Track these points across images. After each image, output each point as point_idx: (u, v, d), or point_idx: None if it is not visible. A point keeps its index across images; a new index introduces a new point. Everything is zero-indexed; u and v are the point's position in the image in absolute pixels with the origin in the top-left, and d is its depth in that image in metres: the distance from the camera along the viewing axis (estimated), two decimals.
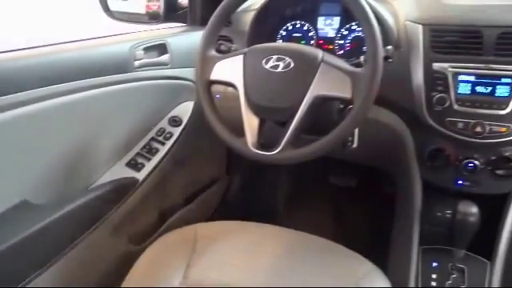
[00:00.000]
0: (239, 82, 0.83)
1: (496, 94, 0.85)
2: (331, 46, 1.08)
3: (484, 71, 0.86)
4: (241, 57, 0.84)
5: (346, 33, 1.06)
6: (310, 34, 1.10)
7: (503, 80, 0.84)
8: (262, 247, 0.86)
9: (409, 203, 0.97)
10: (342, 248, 0.87)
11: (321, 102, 0.79)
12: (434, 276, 0.88)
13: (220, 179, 1.46)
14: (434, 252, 0.91)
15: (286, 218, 1.51)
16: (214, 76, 0.87)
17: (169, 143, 1.13)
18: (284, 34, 1.12)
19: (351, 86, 0.75)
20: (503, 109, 0.84)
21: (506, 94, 0.84)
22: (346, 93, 0.75)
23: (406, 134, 0.96)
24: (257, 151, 0.81)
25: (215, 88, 1.12)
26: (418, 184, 0.95)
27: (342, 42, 1.07)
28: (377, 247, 1.06)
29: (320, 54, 0.79)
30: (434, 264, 0.90)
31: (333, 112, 0.91)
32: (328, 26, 1.09)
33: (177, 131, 1.15)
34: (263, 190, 1.59)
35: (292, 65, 0.79)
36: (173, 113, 1.17)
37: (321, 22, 1.09)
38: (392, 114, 0.98)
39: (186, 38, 1.18)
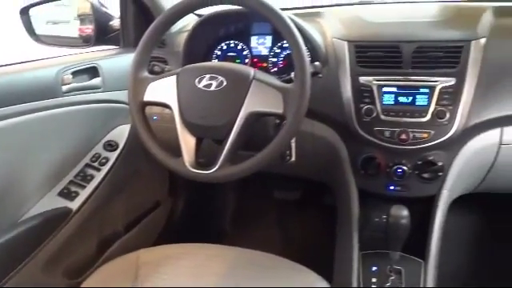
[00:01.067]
0: (173, 103, 0.83)
1: (416, 103, 0.91)
2: (265, 64, 1.11)
3: (404, 83, 0.92)
4: (174, 77, 0.84)
5: (278, 51, 1.10)
6: (244, 52, 1.13)
7: (422, 90, 0.91)
8: (207, 268, 0.84)
9: (347, 211, 1.01)
10: (286, 262, 0.88)
11: (255, 118, 0.81)
12: (374, 280, 0.91)
13: (163, 202, 1.43)
14: (373, 256, 0.95)
15: (234, 236, 1.50)
16: (147, 97, 0.86)
17: (105, 169, 1.09)
18: (219, 53, 1.14)
19: (283, 101, 0.77)
20: (424, 116, 0.90)
21: (425, 103, 0.90)
22: (278, 108, 0.78)
23: (340, 145, 1.00)
24: (194, 170, 0.80)
25: (153, 110, 1.11)
26: (354, 192, 0.99)
27: (275, 59, 1.10)
28: (322, 257, 1.09)
29: (252, 71, 0.81)
30: (374, 268, 0.93)
31: (269, 127, 0.93)
32: (261, 44, 1.12)
33: (113, 156, 1.11)
34: (209, 210, 1.58)
35: (225, 83, 0.80)
36: (108, 137, 1.13)
37: (254, 41, 1.13)
38: (326, 127, 1.02)
39: (118, 61, 1.16)
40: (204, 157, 0.84)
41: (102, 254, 1.16)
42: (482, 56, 0.90)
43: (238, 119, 0.79)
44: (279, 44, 1.10)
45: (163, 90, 0.85)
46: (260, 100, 0.79)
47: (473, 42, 0.91)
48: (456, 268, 1.22)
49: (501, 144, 0.92)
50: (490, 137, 0.92)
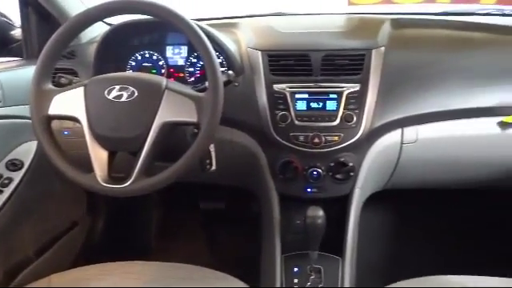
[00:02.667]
0: (81, 115, 0.79)
1: (327, 108, 0.96)
2: (182, 74, 1.10)
3: (315, 89, 0.97)
4: (81, 89, 0.80)
5: (194, 60, 1.10)
6: (160, 63, 1.11)
7: (331, 96, 0.96)
8: (125, 286, 0.81)
9: (269, 216, 1.03)
10: (210, 271, 0.87)
11: (170, 128, 0.80)
12: (296, 281, 0.94)
13: (81, 222, 1.34)
14: (295, 258, 0.98)
15: (160, 251, 1.45)
16: (52, 111, 0.81)
17: (8, 190, 1.00)
18: (133, 64, 1.11)
19: (196, 110, 0.78)
20: (334, 120, 0.95)
21: (335, 108, 0.96)
22: (192, 117, 0.78)
23: (259, 152, 1.02)
24: (108, 185, 0.77)
25: (64, 124, 1.04)
26: (275, 197, 1.02)
27: (191, 69, 1.10)
28: (250, 264, 1.10)
29: (164, 81, 0.80)
30: (295, 269, 0.96)
31: (187, 136, 0.93)
32: (177, 54, 1.11)
33: (17, 176, 1.02)
34: (132, 226, 1.51)
35: (136, 94, 0.78)
36: (11, 156, 1.04)
37: (169, 51, 1.11)
38: (244, 134, 1.03)
39: (21, 73, 1.07)
40: (121, 171, 0.81)
41: (10, 283, 1.06)
42: (382, 63, 0.98)
43: (152, 130, 0.77)
44: (195, 54, 1.10)
45: (70, 103, 0.81)
46: (173, 110, 0.78)
47: (373, 50, 0.98)
48: (374, 262, 1.30)
49: (402, 143, 1.00)
50: (392, 137, 1.00)
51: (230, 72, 0.88)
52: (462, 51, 1.03)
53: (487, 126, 0.99)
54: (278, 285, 0.93)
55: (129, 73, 0.86)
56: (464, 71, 0.99)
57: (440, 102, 0.98)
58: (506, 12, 1.25)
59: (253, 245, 1.17)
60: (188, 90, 0.82)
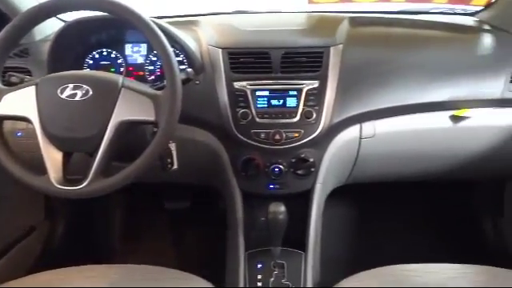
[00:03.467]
0: (33, 116, 0.77)
1: (287, 105, 0.98)
2: (142, 73, 1.09)
3: (275, 86, 0.98)
4: (32, 88, 0.78)
5: (154, 59, 1.08)
6: (119, 61, 1.08)
7: (291, 93, 0.98)
8: None
9: (233, 214, 1.03)
10: (173, 271, 0.86)
11: (128, 127, 0.79)
12: (259, 277, 0.94)
13: (38, 227, 1.29)
14: (258, 254, 0.98)
15: (124, 253, 1.42)
16: (2, 111, 0.78)
17: None
18: (91, 62, 1.08)
19: (154, 108, 0.76)
20: (294, 117, 0.97)
21: (295, 105, 0.97)
22: (149, 116, 0.77)
23: (221, 149, 1.02)
24: (62, 187, 0.75)
25: (17, 125, 1.00)
26: (238, 194, 1.02)
27: (151, 67, 1.08)
28: (216, 263, 1.09)
29: (120, 79, 0.79)
30: (259, 265, 0.96)
31: (147, 135, 0.91)
32: (136, 52, 1.09)
33: None
34: (95, 229, 1.48)
35: (91, 92, 0.76)
36: None
37: (128, 49, 1.09)
38: (206, 133, 1.03)
39: None
40: (78, 172, 0.78)
41: None
42: (340, 60, 0.99)
43: (108, 129, 0.76)
44: (155, 52, 1.08)
45: (21, 103, 0.78)
46: (130, 108, 0.77)
47: (332, 47, 1.00)
48: (337, 255, 1.33)
49: (361, 138, 1.02)
50: (351, 132, 1.02)
51: (189, 69, 0.87)
52: (417, 48, 1.07)
53: (440, 119, 1.03)
54: (242, 282, 0.94)
55: (83, 71, 0.84)
56: (419, 67, 1.03)
57: (396, 98, 1.01)
58: (457, 11, 1.31)
59: (219, 243, 1.17)
60: (145, 88, 0.80)
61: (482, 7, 1.23)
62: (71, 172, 0.79)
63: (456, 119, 1.03)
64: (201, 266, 1.09)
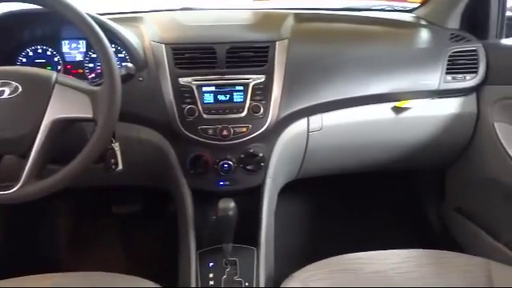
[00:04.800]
0: None
1: (234, 100, 0.97)
2: (81, 70, 1.03)
3: (221, 81, 0.97)
4: None
5: (94, 56, 1.04)
6: (55, 59, 1.03)
7: (237, 88, 0.97)
8: None
9: (183, 213, 1.00)
10: (121, 276, 0.83)
11: (63, 126, 0.74)
12: (211, 275, 0.93)
13: None
14: (210, 253, 0.97)
15: (71, 262, 1.35)
16: None
17: None
18: (24, 60, 1.01)
19: (91, 105, 0.73)
20: (241, 112, 0.96)
21: (242, 99, 0.96)
22: (87, 113, 0.73)
23: (168, 148, 0.99)
24: None
25: None
26: (187, 193, 1.00)
27: (91, 65, 1.04)
28: (169, 265, 1.06)
29: (53, 75, 0.74)
30: (211, 264, 0.95)
31: (87, 135, 0.87)
32: (74, 49, 1.04)
33: None
34: (37, 239, 1.39)
35: (20, 89, 0.72)
36: None
37: (65, 45, 1.04)
38: (152, 131, 1.00)
39: None
40: (11, 176, 0.73)
41: None
42: (286, 55, 1.00)
43: (42, 128, 0.71)
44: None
45: None
46: (65, 105, 0.73)
47: (277, 42, 1.00)
48: (292, 249, 1.34)
49: (308, 132, 1.04)
50: (299, 126, 1.03)
51: (130, 65, 0.84)
52: (360, 43, 1.10)
53: (383, 111, 1.07)
54: (193, 282, 0.91)
55: (12, 67, 0.78)
56: (361, 61, 1.06)
57: (341, 91, 1.03)
58: (396, 8, 1.37)
59: (171, 245, 1.14)
60: (82, 84, 0.77)
61: (418, 4, 1.29)
62: (2, 176, 0.73)
63: (398, 110, 1.07)
64: (154, 270, 1.05)
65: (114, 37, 0.94)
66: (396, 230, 1.28)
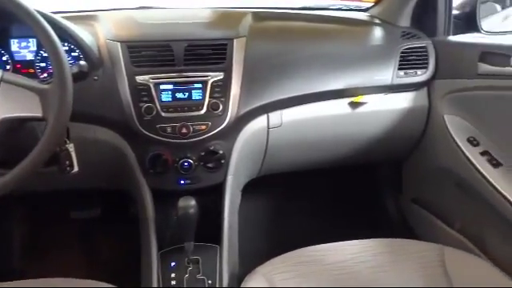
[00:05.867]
0: None
1: (193, 98, 0.96)
2: (32, 70, 0.99)
3: (179, 79, 0.96)
4: None
5: (46, 55, 1.00)
6: (4, 58, 0.98)
7: (196, 85, 0.96)
8: None
9: (144, 214, 0.98)
10: (79, 281, 0.81)
11: (12, 126, 0.72)
12: (173, 275, 0.91)
13: None
14: (172, 253, 0.95)
15: (27, 272, 1.29)
16: None
17: None
18: None
19: (41, 103, 0.70)
20: (200, 110, 0.95)
21: (200, 97, 0.96)
22: (36, 112, 0.70)
23: (126, 148, 0.97)
24: None
25: None
26: (147, 193, 0.98)
27: (43, 64, 1.00)
28: (132, 268, 1.04)
29: None
30: (173, 264, 0.93)
31: (39, 134, 0.83)
32: (24, 48, 1.00)
33: None
34: None
35: None
36: None
37: (14, 44, 0.99)
38: (109, 131, 0.97)
39: None
40: None
41: None
42: (244, 52, 1.00)
43: None
44: None
45: None
46: (13, 104, 0.70)
47: (235, 39, 1.01)
48: (257, 247, 1.34)
49: (269, 128, 1.05)
50: (259, 123, 1.04)
51: (82, 62, 0.82)
52: (317, 41, 1.12)
53: (340, 106, 1.09)
54: (155, 283, 0.90)
55: None
56: (319, 58, 1.08)
57: (300, 87, 1.04)
58: (352, 7, 1.41)
59: (134, 248, 1.11)
60: (30, 81, 0.74)
61: (372, 3, 1.33)
62: None
63: (354, 105, 1.10)
64: (117, 274, 1.03)
65: (66, 35, 0.91)
66: (358, 222, 1.31)
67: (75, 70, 0.79)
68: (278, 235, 1.42)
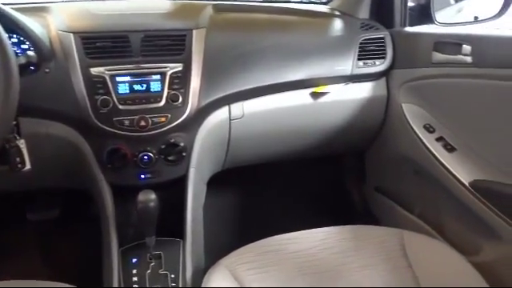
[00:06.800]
0: None
1: (151, 90, 0.94)
2: None
3: (137, 71, 0.93)
4: None
5: None
6: None
7: (154, 77, 0.94)
8: None
9: (104, 211, 0.95)
10: (36, 282, 0.77)
11: None
12: (134, 271, 0.89)
13: None
14: (133, 249, 0.93)
15: None
16: None
17: None
18: None
19: None
20: (159, 101, 0.93)
21: (159, 89, 0.94)
22: None
23: (82, 143, 0.94)
24: None
25: None
26: (106, 189, 0.95)
27: None
28: (94, 268, 1.00)
29: None
30: (134, 260, 0.91)
31: None
32: None
33: None
34: None
35: None
36: None
37: None
38: (63, 126, 0.94)
39: None
40: None
41: None
42: (204, 43, 0.99)
43: None
44: None
45: None
46: None
47: (194, 30, 0.99)
48: (224, 240, 1.33)
49: (230, 120, 1.04)
50: (220, 114, 1.03)
51: (30, 53, 0.79)
52: (278, 32, 1.12)
53: (302, 97, 1.10)
54: (116, 280, 0.87)
55: None
56: (280, 49, 1.08)
57: (260, 78, 1.04)
58: (313, 0, 1.42)
59: (96, 247, 1.08)
60: None
61: None
62: None
63: (315, 96, 1.11)
64: (79, 274, 1.00)
65: (14, 26, 0.87)
66: (323, 212, 1.33)
67: (23, 61, 0.76)
68: (245, 227, 1.41)
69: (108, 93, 0.91)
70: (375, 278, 0.81)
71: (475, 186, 0.90)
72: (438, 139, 1.03)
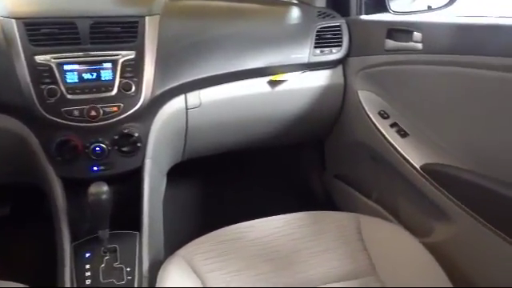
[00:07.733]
0: None
1: (102, 78, 0.90)
2: None
3: (86, 59, 0.89)
4: None
5: None
6: None
7: (105, 65, 0.90)
8: None
9: (55, 206, 0.91)
10: None
11: None
12: (87, 266, 0.86)
13: None
14: (86, 243, 0.90)
15: None
16: None
17: None
18: None
19: None
20: (111, 90, 0.90)
21: (111, 77, 0.90)
22: None
23: (28, 135, 0.90)
24: None
25: None
26: (56, 182, 0.91)
27: None
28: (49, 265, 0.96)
29: None
30: (87, 255, 0.88)
31: None
32: None
33: None
34: None
35: None
36: None
37: None
38: (7, 117, 0.89)
39: None
40: None
41: None
42: (157, 31, 0.96)
43: None
44: None
45: None
46: None
47: (147, 17, 0.96)
48: (185, 231, 1.31)
49: (187, 109, 1.02)
50: (176, 103, 1.00)
51: None
52: (234, 19, 1.11)
53: (260, 85, 1.09)
54: (68, 276, 0.84)
55: None
56: (236, 37, 1.06)
57: (217, 66, 1.02)
58: None
59: (49, 244, 1.03)
60: None
61: None
62: None
63: (273, 84, 1.10)
64: (32, 274, 0.96)
65: None
66: (284, 200, 1.34)
67: None
68: (207, 218, 1.40)
69: (55, 82, 0.86)
70: (333, 261, 0.83)
71: (426, 169, 0.93)
72: (392, 125, 1.05)
